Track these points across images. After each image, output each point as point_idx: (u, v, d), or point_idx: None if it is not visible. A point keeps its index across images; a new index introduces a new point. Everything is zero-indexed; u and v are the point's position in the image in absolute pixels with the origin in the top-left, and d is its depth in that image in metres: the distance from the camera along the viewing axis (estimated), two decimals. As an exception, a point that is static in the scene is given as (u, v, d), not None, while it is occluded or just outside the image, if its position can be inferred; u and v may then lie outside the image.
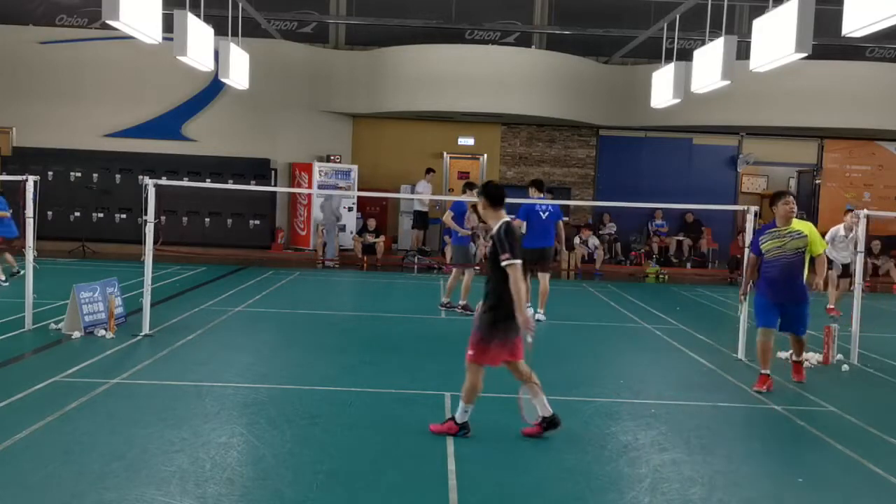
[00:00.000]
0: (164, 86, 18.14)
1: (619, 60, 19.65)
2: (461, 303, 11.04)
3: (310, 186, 17.99)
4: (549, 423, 5.42)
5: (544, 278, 10.61)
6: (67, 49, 18.32)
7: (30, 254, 8.52)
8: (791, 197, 7.33)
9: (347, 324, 10.12)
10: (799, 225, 7.17)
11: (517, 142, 20.48)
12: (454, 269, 11.40)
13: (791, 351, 8.65)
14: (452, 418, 5.43)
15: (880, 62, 19.32)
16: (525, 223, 10.52)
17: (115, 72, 18.16)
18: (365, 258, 17.04)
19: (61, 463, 4.63)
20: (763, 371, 7.21)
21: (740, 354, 8.42)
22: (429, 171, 18.51)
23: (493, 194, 5.45)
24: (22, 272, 12.88)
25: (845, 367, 8.25)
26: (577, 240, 18.04)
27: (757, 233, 7.61)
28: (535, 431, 5.42)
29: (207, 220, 18.28)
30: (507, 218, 5.38)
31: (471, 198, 11.05)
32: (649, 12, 18.33)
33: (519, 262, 5.14)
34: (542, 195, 11.10)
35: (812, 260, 7.27)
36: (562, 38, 19.71)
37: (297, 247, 18.70)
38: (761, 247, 7.29)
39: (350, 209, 18.59)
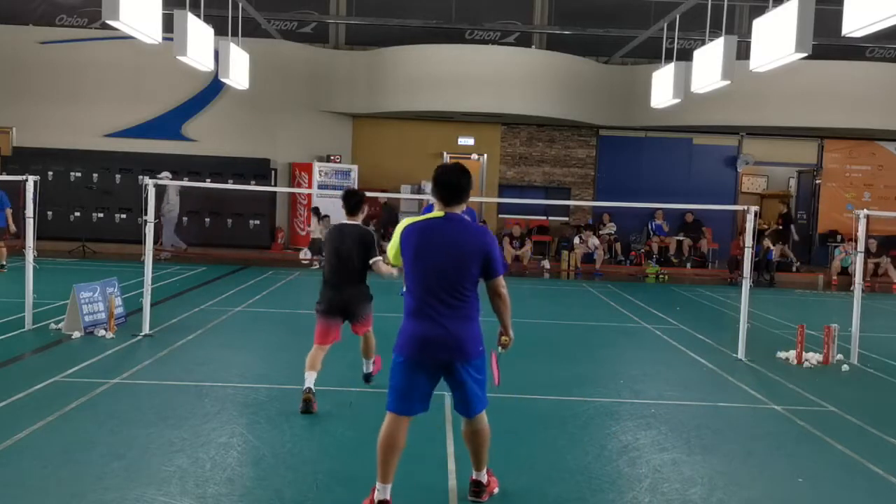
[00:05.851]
0: (164, 86, 18.13)
1: (619, 60, 19.65)
2: None
3: (310, 186, 17.99)
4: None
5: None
6: (67, 49, 18.31)
7: (30, 254, 8.52)
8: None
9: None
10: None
11: (517, 142, 20.46)
12: None
13: (787, 353, 8.66)
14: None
15: (880, 62, 19.31)
16: None
17: (115, 72, 18.15)
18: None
19: (61, 463, 4.63)
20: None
21: (740, 354, 8.42)
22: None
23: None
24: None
25: (845, 367, 8.24)
26: (577, 240, 18.05)
27: None
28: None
29: (207, 220, 18.27)
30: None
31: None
32: (649, 12, 18.33)
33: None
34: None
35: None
36: (562, 38, 19.70)
37: (297, 247, 18.67)
38: None
39: None
